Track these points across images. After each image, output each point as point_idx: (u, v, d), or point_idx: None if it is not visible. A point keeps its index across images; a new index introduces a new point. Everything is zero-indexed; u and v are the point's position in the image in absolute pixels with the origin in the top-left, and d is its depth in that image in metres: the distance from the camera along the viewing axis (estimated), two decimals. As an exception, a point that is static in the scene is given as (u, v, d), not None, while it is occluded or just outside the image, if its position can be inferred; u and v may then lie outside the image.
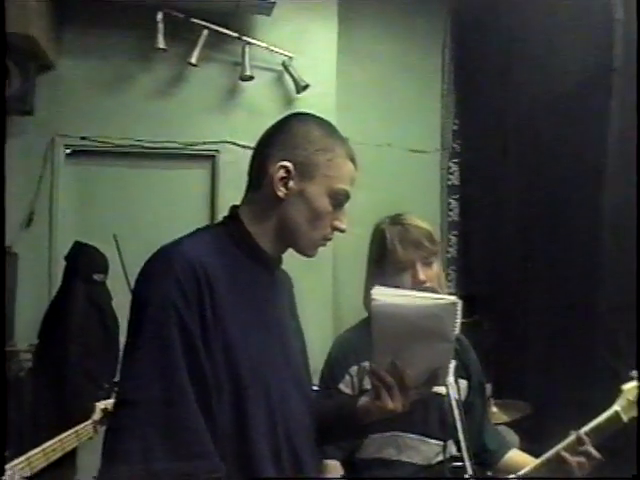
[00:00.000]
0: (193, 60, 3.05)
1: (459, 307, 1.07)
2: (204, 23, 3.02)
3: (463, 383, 1.52)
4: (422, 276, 1.40)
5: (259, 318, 1.08)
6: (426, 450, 1.42)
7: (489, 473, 1.51)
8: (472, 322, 2.99)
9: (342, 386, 1.45)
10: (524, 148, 3.06)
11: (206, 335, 0.96)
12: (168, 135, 3.21)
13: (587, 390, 2.31)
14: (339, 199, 1.10)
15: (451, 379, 1.12)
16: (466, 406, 1.50)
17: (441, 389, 1.38)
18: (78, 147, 3.11)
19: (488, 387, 2.68)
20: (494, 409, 2.40)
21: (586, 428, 1.34)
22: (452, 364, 1.12)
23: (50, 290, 2.90)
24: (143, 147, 3.18)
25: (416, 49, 3.84)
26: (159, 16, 2.94)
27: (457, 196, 3.82)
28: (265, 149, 1.12)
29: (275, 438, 1.02)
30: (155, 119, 3.21)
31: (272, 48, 3.20)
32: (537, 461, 1.39)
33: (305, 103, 3.34)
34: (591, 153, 2.55)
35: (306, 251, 1.12)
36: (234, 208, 1.14)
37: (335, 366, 1.51)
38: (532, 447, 1.62)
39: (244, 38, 3.12)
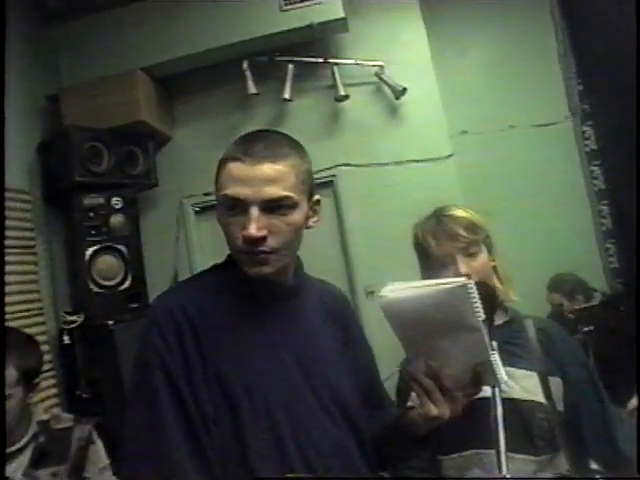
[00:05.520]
0: (287, 96, 3.11)
1: (472, 288, 0.92)
2: (287, 58, 3.07)
3: (555, 381, 1.30)
4: (464, 269, 1.24)
5: (262, 349, 1.06)
6: (515, 468, 1.16)
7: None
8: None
9: (410, 404, 1.32)
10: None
11: (192, 374, 0.99)
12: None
13: None
14: (227, 206, 1.04)
15: (503, 375, 0.97)
16: (571, 408, 1.28)
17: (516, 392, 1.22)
18: (204, 204, 3.30)
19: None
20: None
21: None
22: (496, 357, 0.96)
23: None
24: (263, 188, 3.29)
25: (517, 16, 3.56)
26: (245, 65, 3.05)
27: (599, 162, 3.42)
28: None
29: (287, 465, 0.99)
30: (267, 160, 3.32)
31: (359, 62, 3.16)
32: None
33: (409, 107, 3.26)
34: None
35: (245, 271, 1.07)
36: None
37: (402, 385, 1.40)
38: None
39: (329, 60, 3.11)
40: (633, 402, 2.38)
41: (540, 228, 3.38)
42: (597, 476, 1.26)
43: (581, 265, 3.27)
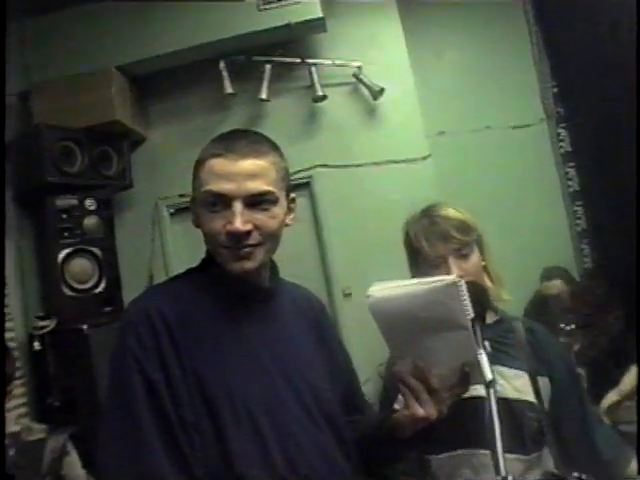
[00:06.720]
0: (263, 96, 3.08)
1: (462, 287, 0.92)
2: (264, 58, 3.04)
3: (544, 380, 1.30)
4: (456, 271, 1.23)
5: (240, 351, 1.04)
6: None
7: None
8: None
9: (397, 406, 1.31)
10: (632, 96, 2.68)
11: (170, 378, 0.97)
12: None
13: None
14: (209, 203, 1.04)
15: (489, 374, 0.97)
16: (554, 408, 1.28)
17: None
18: (179, 205, 3.25)
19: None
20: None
21: None
22: (483, 356, 0.97)
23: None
24: (239, 190, 3.26)
25: (493, 18, 3.59)
26: (221, 64, 3.02)
27: (573, 164, 3.46)
28: None
29: (272, 469, 0.97)
30: (243, 161, 3.29)
31: (337, 62, 3.14)
32: None
33: (386, 108, 3.25)
34: None
35: (225, 268, 1.06)
36: None
37: (388, 387, 1.39)
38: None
39: (307, 61, 3.09)
40: (607, 401, 2.41)
41: (516, 228, 3.40)
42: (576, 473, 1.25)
43: (556, 265, 3.30)
